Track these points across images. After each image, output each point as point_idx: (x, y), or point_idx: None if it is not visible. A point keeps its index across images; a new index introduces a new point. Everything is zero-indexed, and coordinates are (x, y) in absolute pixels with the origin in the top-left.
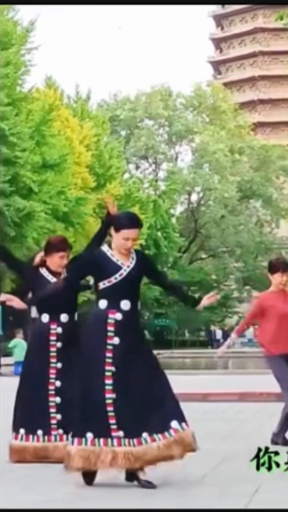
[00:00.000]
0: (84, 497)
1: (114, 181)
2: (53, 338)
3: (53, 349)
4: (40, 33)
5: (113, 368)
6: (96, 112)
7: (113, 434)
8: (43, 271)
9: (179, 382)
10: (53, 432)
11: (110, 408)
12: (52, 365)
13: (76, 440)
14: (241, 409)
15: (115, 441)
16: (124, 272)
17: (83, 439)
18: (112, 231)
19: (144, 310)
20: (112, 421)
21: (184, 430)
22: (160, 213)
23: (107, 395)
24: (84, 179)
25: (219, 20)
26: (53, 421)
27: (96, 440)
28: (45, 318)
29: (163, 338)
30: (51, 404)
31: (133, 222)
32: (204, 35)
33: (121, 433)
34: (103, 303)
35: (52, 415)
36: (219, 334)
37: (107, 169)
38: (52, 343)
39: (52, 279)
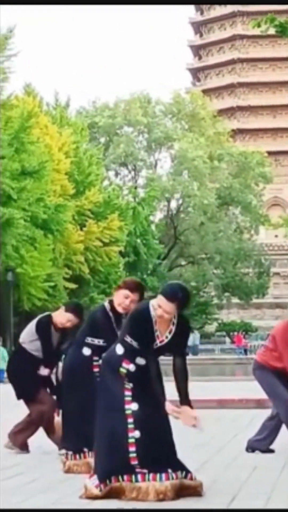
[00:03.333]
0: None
1: (93, 188)
2: (96, 370)
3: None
4: (19, 40)
5: (132, 406)
6: (75, 119)
7: (137, 470)
8: (109, 310)
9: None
10: None
11: (132, 449)
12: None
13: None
14: (220, 416)
15: (139, 476)
16: (154, 346)
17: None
18: (160, 297)
19: None
20: (134, 462)
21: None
22: (139, 220)
23: (130, 434)
24: (63, 186)
25: (198, 27)
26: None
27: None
28: (87, 351)
29: None
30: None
31: (173, 296)
32: (183, 42)
33: (144, 470)
34: (120, 349)
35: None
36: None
37: (86, 176)
38: (96, 375)
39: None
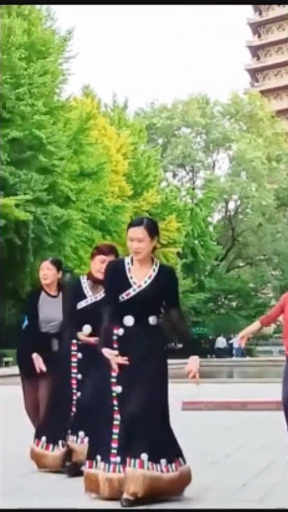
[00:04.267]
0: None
1: (151, 189)
2: (74, 348)
3: (74, 359)
4: (78, 42)
5: (117, 389)
6: (133, 121)
7: (112, 459)
8: (84, 281)
9: (217, 391)
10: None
11: (115, 430)
12: (73, 375)
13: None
14: (279, 418)
15: (111, 467)
16: (132, 292)
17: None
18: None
19: None
20: (114, 445)
21: (185, 464)
22: (197, 221)
23: (115, 416)
24: (121, 188)
25: (256, 28)
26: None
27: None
28: (82, 330)
29: (200, 346)
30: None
31: (139, 220)
32: (241, 43)
33: (118, 459)
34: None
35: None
36: (222, 342)
37: (144, 177)
38: (73, 353)
39: (88, 292)
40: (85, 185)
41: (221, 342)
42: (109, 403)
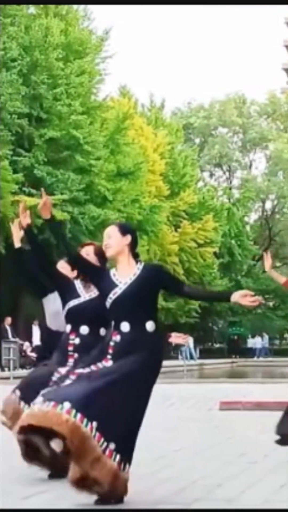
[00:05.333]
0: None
1: (188, 189)
2: (70, 348)
3: (70, 359)
4: (115, 42)
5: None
6: (170, 120)
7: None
8: (77, 282)
9: (254, 391)
10: None
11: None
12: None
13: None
14: None
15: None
16: (118, 290)
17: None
18: None
19: (218, 319)
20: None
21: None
22: (234, 221)
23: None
24: (158, 187)
25: None
26: None
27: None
28: (67, 328)
29: (238, 346)
30: None
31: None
32: (278, 42)
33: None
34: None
35: None
36: (253, 343)
37: (181, 177)
38: (70, 353)
39: (82, 292)
40: (122, 185)
41: (251, 342)
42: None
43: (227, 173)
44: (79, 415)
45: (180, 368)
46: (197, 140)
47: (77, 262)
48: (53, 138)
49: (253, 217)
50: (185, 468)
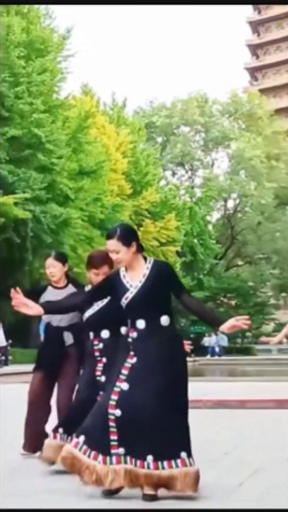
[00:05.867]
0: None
1: (151, 188)
2: (97, 354)
3: (99, 364)
4: (77, 40)
5: (123, 385)
6: (133, 119)
7: (113, 451)
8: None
9: (215, 389)
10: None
11: (112, 424)
12: (98, 378)
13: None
14: (278, 417)
15: (114, 458)
16: (130, 295)
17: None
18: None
19: (180, 317)
20: (114, 437)
21: (192, 466)
22: (196, 220)
23: (110, 410)
24: (120, 186)
25: (255, 26)
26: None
27: (97, 455)
28: (90, 335)
29: (199, 345)
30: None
31: (112, 232)
32: (240, 41)
33: (121, 450)
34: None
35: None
36: (208, 341)
37: (143, 176)
38: (98, 359)
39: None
40: (84, 183)
41: (206, 341)
42: (108, 396)
43: (189, 172)
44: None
45: None
46: (159, 139)
47: (92, 299)
48: (15, 136)
49: (215, 216)
50: None
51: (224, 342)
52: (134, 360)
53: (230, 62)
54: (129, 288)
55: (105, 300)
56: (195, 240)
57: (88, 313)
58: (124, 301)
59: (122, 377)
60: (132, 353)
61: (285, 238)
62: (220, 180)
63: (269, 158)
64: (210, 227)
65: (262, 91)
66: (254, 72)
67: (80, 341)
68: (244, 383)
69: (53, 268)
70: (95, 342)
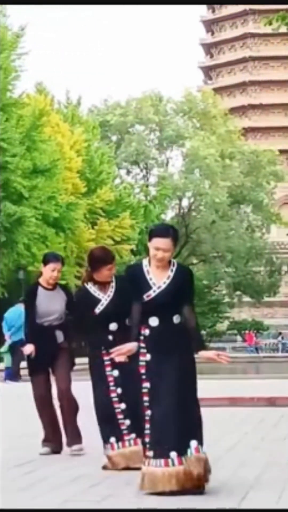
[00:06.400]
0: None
1: (105, 186)
2: (106, 358)
3: (106, 357)
4: (31, 38)
5: (148, 385)
6: (87, 118)
7: (147, 453)
8: (90, 287)
9: None
10: (126, 438)
11: (147, 425)
12: (108, 373)
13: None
14: (231, 414)
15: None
16: (152, 293)
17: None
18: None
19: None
20: (147, 439)
21: (204, 454)
22: (151, 218)
23: (147, 412)
24: (74, 185)
25: (209, 25)
26: (123, 427)
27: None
28: (99, 330)
29: None
30: (117, 410)
31: (165, 231)
32: (194, 40)
33: (151, 453)
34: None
35: (120, 421)
36: None
37: (97, 174)
38: (103, 351)
39: (100, 295)
40: (38, 182)
41: None
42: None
43: (144, 171)
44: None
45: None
46: (114, 138)
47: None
48: None
49: (169, 214)
50: (99, 465)
51: None
52: (148, 357)
53: (184, 61)
54: (152, 287)
55: (110, 294)
56: None
57: (98, 310)
58: (145, 298)
59: (143, 376)
60: (144, 350)
61: (239, 237)
62: (174, 178)
63: (223, 157)
64: None
65: (216, 90)
66: (208, 71)
67: (69, 338)
68: (198, 381)
69: (58, 273)
70: (104, 335)
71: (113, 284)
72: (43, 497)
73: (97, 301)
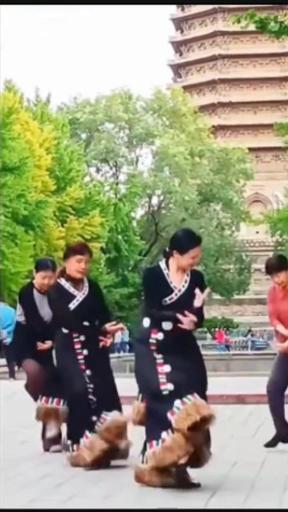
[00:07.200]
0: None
1: (75, 184)
2: (77, 346)
3: (80, 357)
4: None
5: (168, 386)
6: (56, 115)
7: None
8: (64, 283)
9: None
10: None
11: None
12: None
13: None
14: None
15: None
16: (174, 296)
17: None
18: (175, 253)
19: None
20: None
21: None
22: (120, 216)
23: (168, 415)
24: (44, 182)
25: (178, 23)
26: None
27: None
28: (72, 328)
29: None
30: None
31: (200, 239)
32: (163, 38)
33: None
34: (146, 322)
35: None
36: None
37: (67, 172)
38: (78, 351)
39: (75, 292)
40: (7, 179)
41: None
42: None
43: (113, 169)
44: None
45: None
46: (84, 135)
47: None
48: None
49: (139, 212)
50: (62, 464)
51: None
52: (159, 356)
53: (154, 59)
54: (174, 290)
55: (85, 292)
56: (120, 237)
57: (73, 305)
58: (167, 300)
59: (162, 380)
60: (158, 355)
61: (209, 234)
62: (144, 176)
63: (192, 155)
64: (134, 223)
65: (186, 88)
66: (177, 69)
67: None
68: None
69: (50, 280)
70: (75, 335)
71: (86, 284)
72: (9, 496)
73: (71, 297)
